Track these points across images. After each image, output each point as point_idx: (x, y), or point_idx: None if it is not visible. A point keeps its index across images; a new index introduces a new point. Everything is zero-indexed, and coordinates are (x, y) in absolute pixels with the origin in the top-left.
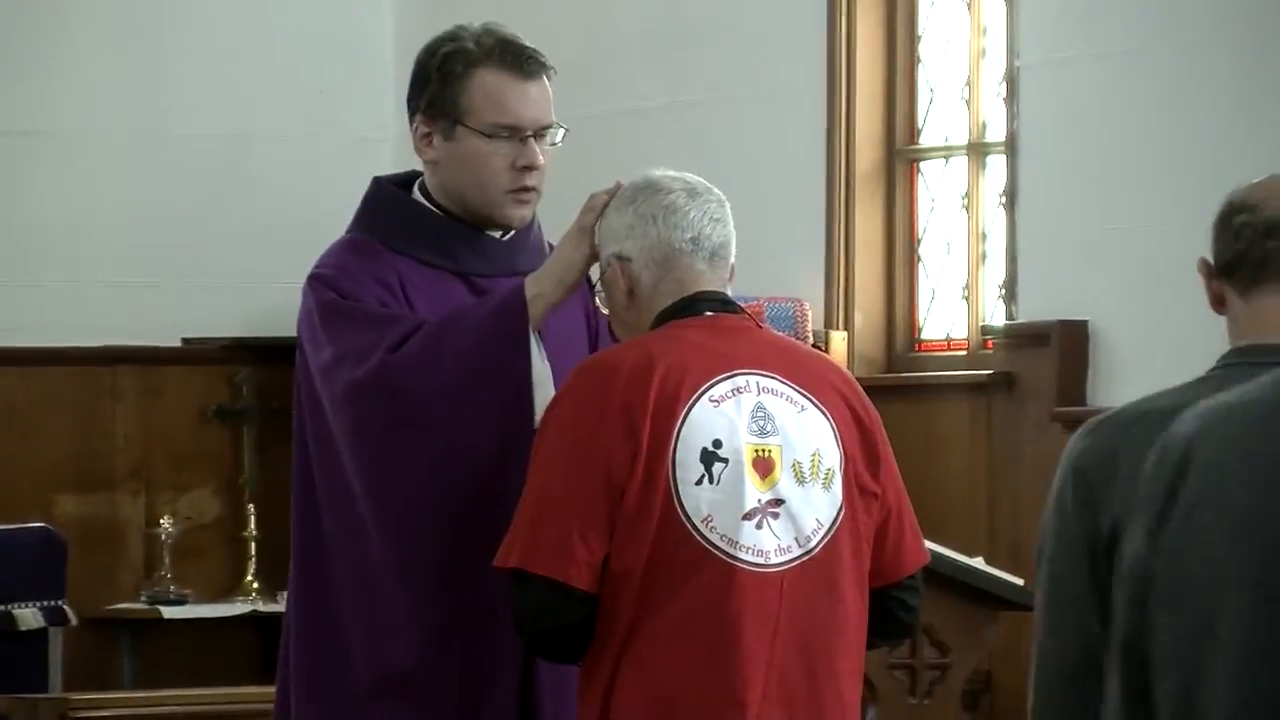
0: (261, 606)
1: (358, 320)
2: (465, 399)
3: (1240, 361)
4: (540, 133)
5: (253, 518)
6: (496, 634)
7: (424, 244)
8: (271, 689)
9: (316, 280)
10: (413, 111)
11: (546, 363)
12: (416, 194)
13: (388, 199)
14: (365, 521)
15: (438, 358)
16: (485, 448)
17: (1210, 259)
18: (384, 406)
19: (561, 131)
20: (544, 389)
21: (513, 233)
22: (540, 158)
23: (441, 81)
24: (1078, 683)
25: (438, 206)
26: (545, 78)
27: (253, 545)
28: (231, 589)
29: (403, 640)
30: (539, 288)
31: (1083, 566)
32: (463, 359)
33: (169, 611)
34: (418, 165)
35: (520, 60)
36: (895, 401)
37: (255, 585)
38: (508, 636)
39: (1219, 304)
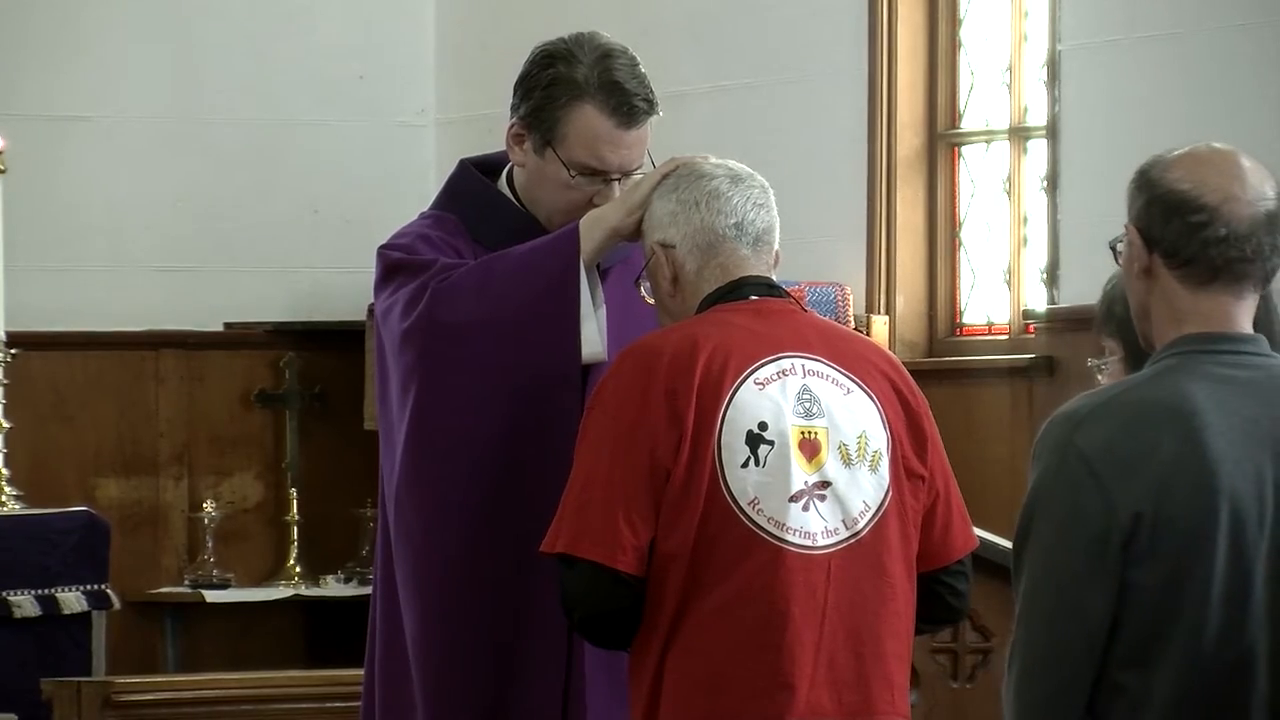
0: (304, 590)
1: (418, 267)
2: (510, 311)
3: (1196, 349)
4: (627, 173)
5: (295, 502)
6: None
7: (504, 239)
8: (315, 672)
9: (385, 246)
10: (513, 107)
11: (603, 300)
12: (503, 183)
13: (473, 187)
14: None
15: (484, 281)
16: (530, 371)
17: (1141, 230)
18: (436, 336)
19: (648, 166)
20: (590, 323)
21: None
22: (617, 196)
23: (545, 99)
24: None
25: (520, 199)
26: (648, 121)
27: (295, 530)
28: (274, 573)
29: (429, 603)
30: (601, 213)
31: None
32: (507, 278)
33: (212, 595)
34: (463, 149)
35: (624, 106)
36: (936, 386)
37: (297, 569)
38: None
39: (1145, 275)
